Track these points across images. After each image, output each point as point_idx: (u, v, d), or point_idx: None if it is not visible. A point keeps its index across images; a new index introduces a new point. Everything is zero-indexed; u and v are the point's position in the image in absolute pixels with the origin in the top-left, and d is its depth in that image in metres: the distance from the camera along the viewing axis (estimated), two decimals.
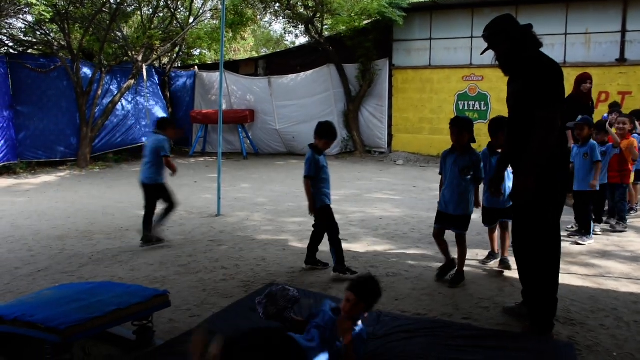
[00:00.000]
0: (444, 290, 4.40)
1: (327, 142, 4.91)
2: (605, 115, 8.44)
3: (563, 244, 5.69)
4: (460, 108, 13.17)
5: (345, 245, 5.80)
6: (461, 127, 4.49)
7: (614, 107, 8.84)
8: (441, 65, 13.26)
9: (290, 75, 14.61)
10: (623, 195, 6.47)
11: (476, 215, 4.94)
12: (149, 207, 5.92)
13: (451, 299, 4.21)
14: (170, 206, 6.02)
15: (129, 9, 14.39)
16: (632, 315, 3.91)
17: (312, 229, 5.01)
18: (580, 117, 6.21)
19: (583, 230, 5.96)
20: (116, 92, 13.35)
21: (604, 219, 6.59)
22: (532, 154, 3.29)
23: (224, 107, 14.07)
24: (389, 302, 4.17)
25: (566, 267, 5.05)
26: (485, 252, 5.25)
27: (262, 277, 4.77)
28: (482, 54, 3.71)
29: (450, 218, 4.55)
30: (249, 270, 5.01)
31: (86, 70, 13.00)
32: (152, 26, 14.45)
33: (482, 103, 12.90)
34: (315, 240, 5.01)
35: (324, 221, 4.87)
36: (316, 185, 4.80)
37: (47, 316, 2.92)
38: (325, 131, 4.89)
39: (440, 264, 4.79)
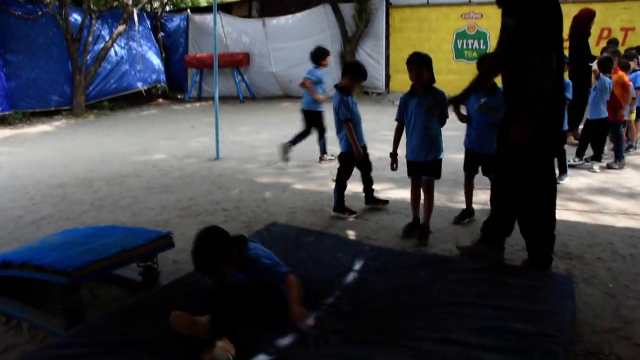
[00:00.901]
0: (443, 227, 4.47)
1: (359, 81, 4.75)
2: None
3: (562, 181, 5.80)
4: (459, 47, 12.92)
5: None
6: (419, 64, 4.11)
7: (611, 45, 8.67)
8: (439, 3, 12.91)
9: (285, 17, 14.25)
10: (615, 132, 6.45)
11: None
12: (305, 131, 6.99)
13: (451, 236, 4.28)
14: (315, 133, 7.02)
15: None
16: (628, 248, 3.99)
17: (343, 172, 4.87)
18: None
19: (595, 156, 6.27)
20: (108, 38, 13.04)
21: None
22: (528, 100, 3.10)
23: (219, 50, 13.82)
24: (390, 239, 4.24)
25: (564, 203, 5.11)
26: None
27: (263, 217, 4.82)
28: None
29: (421, 165, 4.23)
30: (250, 211, 5.06)
31: (76, 16, 12.65)
32: None
33: (482, 41, 12.62)
34: (366, 181, 4.99)
35: (362, 162, 4.83)
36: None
37: (54, 259, 2.97)
38: (357, 70, 4.72)
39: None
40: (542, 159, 3.33)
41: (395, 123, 4.38)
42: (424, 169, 4.24)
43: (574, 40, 6.44)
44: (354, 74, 4.73)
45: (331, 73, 14.08)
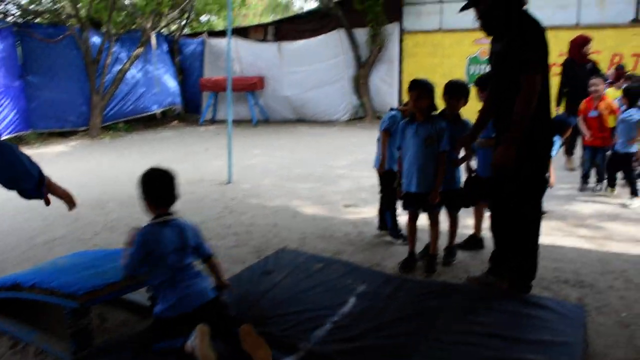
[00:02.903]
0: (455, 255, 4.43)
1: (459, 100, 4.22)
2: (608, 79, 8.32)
3: (573, 207, 5.76)
4: (471, 72, 12.97)
5: (356, 210, 5.87)
6: (420, 90, 3.96)
7: (619, 70, 8.74)
8: (452, 29, 13.01)
9: (299, 41, 14.41)
10: (604, 159, 6.39)
11: None
12: None
13: (462, 264, 4.25)
14: None
15: None
16: None
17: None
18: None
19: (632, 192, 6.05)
20: (125, 61, 13.29)
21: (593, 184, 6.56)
22: (513, 122, 3.15)
23: (234, 74, 14.00)
24: None
25: (575, 230, 5.07)
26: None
27: (274, 243, 4.83)
28: (460, 11, 3.47)
29: (419, 197, 4.03)
30: (261, 236, 5.07)
31: (95, 39, 12.93)
32: None
33: None
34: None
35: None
36: None
37: (64, 282, 2.99)
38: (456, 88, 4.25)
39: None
40: (526, 183, 3.34)
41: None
42: (420, 201, 4.05)
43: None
44: (452, 93, 4.28)
45: (344, 97, 14.21)
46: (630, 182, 6.10)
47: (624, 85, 7.04)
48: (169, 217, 2.88)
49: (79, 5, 12.41)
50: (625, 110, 6.13)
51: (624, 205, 5.85)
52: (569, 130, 5.82)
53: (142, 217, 3.05)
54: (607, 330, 3.16)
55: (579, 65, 7.41)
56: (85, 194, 6.97)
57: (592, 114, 6.39)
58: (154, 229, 2.82)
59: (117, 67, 13.19)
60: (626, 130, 6.03)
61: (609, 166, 6.32)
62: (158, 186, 2.87)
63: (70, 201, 2.89)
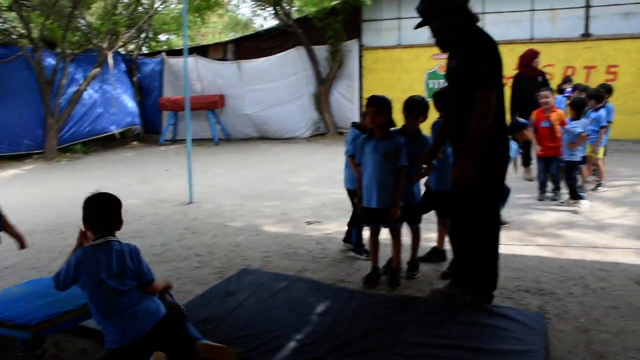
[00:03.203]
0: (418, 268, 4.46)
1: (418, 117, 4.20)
2: (569, 90, 8.62)
3: (532, 216, 5.90)
4: (430, 86, 13.22)
5: (319, 227, 5.86)
6: (377, 107, 3.96)
7: (566, 81, 9.15)
8: (411, 44, 13.27)
9: (259, 59, 14.45)
10: (558, 168, 6.59)
11: None
12: None
13: (425, 277, 4.27)
14: None
15: None
16: (598, 282, 4.03)
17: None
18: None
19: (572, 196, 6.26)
20: (82, 81, 13.04)
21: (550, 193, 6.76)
22: (469, 138, 3.20)
23: (194, 93, 13.90)
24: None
25: (534, 239, 5.18)
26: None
27: (237, 262, 4.76)
28: (415, 28, 3.51)
29: (379, 212, 4.00)
30: (223, 256, 5.00)
31: (50, 60, 12.66)
32: (117, 12, 14.10)
33: None
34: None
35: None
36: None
37: (16, 313, 2.87)
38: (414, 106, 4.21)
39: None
40: (483, 195, 3.39)
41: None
42: (380, 217, 4.04)
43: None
44: (410, 110, 4.26)
45: (305, 114, 14.26)
46: (570, 186, 6.34)
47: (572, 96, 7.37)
48: (108, 240, 2.76)
49: (31, 25, 12.12)
50: (572, 120, 6.39)
51: (574, 212, 6.04)
52: (525, 132, 6.01)
53: None
54: (567, 336, 3.22)
55: (529, 78, 7.66)
56: (39, 219, 6.76)
57: (544, 124, 6.59)
58: (90, 252, 2.71)
59: (73, 88, 12.94)
60: (570, 141, 6.29)
61: (564, 176, 6.52)
62: (99, 211, 2.78)
63: (22, 242, 2.93)
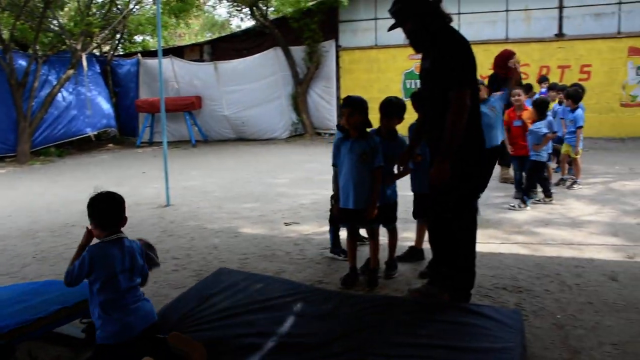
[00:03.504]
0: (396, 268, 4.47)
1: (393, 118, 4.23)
2: (544, 90, 8.73)
3: (508, 215, 5.96)
4: (407, 86, 13.32)
5: (297, 228, 5.84)
6: (353, 107, 3.94)
7: (542, 81, 9.24)
8: (387, 45, 13.34)
9: (236, 60, 14.37)
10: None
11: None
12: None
13: (403, 277, 4.28)
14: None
15: None
16: (574, 278, 4.09)
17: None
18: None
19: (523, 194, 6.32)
20: (55, 83, 12.81)
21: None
22: (445, 138, 3.22)
23: (171, 94, 13.77)
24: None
25: (512, 236, 5.24)
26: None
27: (214, 265, 4.71)
28: (389, 30, 3.53)
29: (356, 213, 3.99)
30: (201, 259, 4.95)
31: (21, 61, 12.40)
32: (90, 13, 13.88)
33: None
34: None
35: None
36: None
37: None
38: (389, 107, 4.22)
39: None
40: (460, 195, 3.41)
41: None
42: (357, 217, 4.03)
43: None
44: (386, 112, 4.28)
45: (283, 115, 14.23)
46: (526, 187, 6.41)
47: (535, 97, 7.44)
48: (118, 237, 2.85)
49: (0, 26, 11.88)
50: (535, 122, 6.43)
51: (513, 207, 6.23)
52: None
53: (74, 246, 2.93)
54: (544, 332, 3.26)
55: (504, 78, 7.69)
56: (12, 224, 6.62)
57: (516, 123, 6.66)
58: (103, 247, 2.79)
59: (47, 90, 12.70)
60: (535, 142, 6.33)
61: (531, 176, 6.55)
62: (105, 209, 2.85)
63: None
